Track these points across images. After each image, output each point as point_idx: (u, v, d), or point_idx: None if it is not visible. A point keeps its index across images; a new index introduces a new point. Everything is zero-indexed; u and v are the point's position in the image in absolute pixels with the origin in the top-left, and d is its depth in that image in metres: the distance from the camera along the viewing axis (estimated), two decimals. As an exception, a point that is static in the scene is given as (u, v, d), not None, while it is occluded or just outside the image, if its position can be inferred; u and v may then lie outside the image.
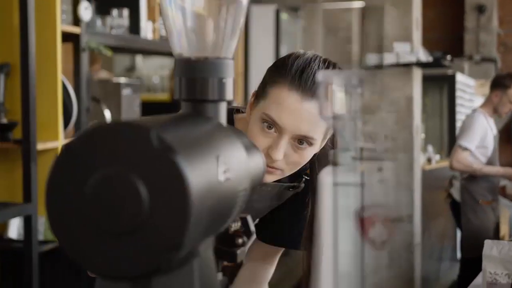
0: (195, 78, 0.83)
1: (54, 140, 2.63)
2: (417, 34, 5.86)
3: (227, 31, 0.86)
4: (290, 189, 1.47)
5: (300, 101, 1.26)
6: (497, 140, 4.79)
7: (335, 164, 0.80)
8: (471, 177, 4.68)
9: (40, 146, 2.55)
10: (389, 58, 5.58)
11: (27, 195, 2.46)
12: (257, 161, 0.91)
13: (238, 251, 0.92)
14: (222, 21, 0.86)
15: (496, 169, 4.74)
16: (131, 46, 3.34)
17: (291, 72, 1.28)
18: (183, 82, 0.84)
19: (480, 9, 9.42)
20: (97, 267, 0.66)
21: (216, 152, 0.73)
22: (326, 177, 0.73)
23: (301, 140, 1.29)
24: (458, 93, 7.20)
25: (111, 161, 0.65)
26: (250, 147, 0.91)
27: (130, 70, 6.09)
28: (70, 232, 0.66)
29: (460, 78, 7.28)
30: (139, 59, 5.98)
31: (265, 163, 1.19)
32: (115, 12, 3.22)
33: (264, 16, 5.87)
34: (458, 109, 7.22)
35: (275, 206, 1.51)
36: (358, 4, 6.07)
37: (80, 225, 0.66)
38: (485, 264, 2.04)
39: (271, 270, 1.60)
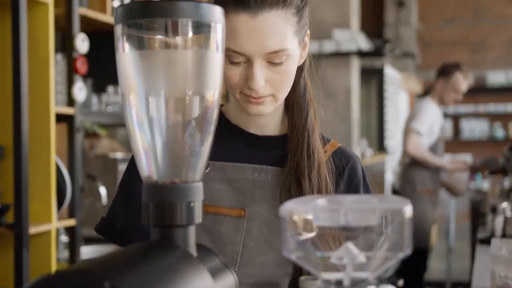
0: (163, 203, 0.82)
1: (47, 222, 2.61)
2: (355, 21, 5.76)
3: (194, 154, 0.85)
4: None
5: (251, 19, 1.16)
6: (442, 131, 4.77)
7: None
8: (413, 163, 4.56)
9: (33, 229, 2.53)
10: (328, 46, 5.48)
11: (19, 282, 2.43)
12: (227, 283, 0.89)
13: None
14: (189, 145, 0.85)
15: (445, 161, 4.68)
16: (127, 123, 3.35)
17: None
18: (151, 207, 0.83)
19: (400, 4, 9.54)
20: None
21: (178, 290, 0.71)
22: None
23: (274, 62, 1.19)
24: (385, 86, 7.24)
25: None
26: (220, 269, 0.89)
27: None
28: None
29: (388, 71, 7.30)
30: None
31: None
32: (110, 89, 3.24)
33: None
34: (384, 102, 7.26)
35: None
36: None
37: None
38: (494, 266, 1.82)
39: None
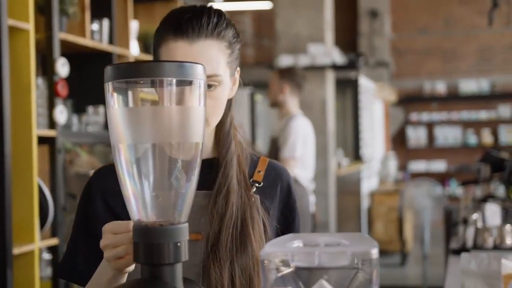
0: (152, 244, 0.90)
1: (30, 243, 2.67)
2: (329, 35, 5.87)
3: (180, 197, 0.93)
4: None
5: (189, 46, 1.25)
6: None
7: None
8: None
9: (17, 250, 2.58)
10: (303, 60, 5.54)
11: (4, 302, 2.48)
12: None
13: None
14: (175, 189, 0.93)
15: None
16: (107, 142, 3.41)
17: (171, 22, 1.28)
18: (141, 248, 0.91)
19: (373, 15, 9.68)
20: None
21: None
22: None
23: (207, 84, 1.20)
24: (360, 96, 7.40)
25: None
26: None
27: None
28: None
29: (362, 81, 7.47)
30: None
31: None
32: (90, 109, 3.30)
33: (239, 100, 6.00)
34: (359, 112, 7.45)
35: None
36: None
37: None
38: (464, 279, 1.88)
39: None
